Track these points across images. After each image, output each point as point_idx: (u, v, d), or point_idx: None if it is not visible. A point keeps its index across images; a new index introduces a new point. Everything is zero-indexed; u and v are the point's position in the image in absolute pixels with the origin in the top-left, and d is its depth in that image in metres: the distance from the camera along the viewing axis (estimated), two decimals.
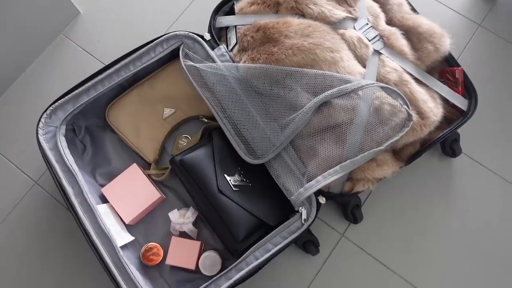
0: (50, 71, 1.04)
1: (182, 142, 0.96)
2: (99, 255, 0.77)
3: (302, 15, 0.85)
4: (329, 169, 0.76)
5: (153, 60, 0.89)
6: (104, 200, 0.89)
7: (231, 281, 0.76)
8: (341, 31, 0.83)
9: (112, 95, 0.93)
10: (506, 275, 0.88)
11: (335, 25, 0.83)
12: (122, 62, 0.88)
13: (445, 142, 0.90)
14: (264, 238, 0.79)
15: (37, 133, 0.84)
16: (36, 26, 1.00)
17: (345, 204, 0.87)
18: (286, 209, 0.83)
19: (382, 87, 0.77)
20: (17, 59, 1.01)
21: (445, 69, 0.88)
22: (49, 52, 1.05)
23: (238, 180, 0.84)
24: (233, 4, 0.93)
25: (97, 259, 0.78)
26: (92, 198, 0.82)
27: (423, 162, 0.94)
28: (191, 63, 0.86)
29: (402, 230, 0.91)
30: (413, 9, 0.91)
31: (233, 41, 0.89)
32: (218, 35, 0.93)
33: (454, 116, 0.86)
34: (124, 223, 0.88)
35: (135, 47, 0.89)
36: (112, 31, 1.07)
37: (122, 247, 0.83)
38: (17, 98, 1.02)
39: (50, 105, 0.85)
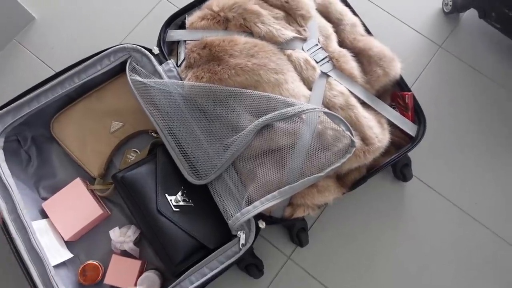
0: (0, 78, 1.01)
1: (131, 157, 0.94)
2: (28, 274, 0.75)
3: (251, 33, 0.83)
4: (268, 194, 0.74)
5: (99, 73, 0.87)
6: (45, 215, 0.87)
7: None
8: (289, 51, 0.81)
9: (59, 106, 0.90)
10: None
11: (282, 45, 0.81)
12: (67, 74, 0.85)
13: (395, 166, 0.88)
14: (201, 262, 0.77)
15: None
16: None
17: (291, 227, 0.85)
18: (228, 232, 0.82)
19: (325, 112, 0.75)
20: None
21: (396, 93, 0.86)
22: (0, 57, 1.03)
23: (179, 200, 0.82)
24: (185, 17, 0.91)
25: (26, 278, 0.75)
26: (27, 214, 0.79)
27: (375, 185, 0.92)
28: (138, 77, 0.84)
29: (351, 254, 0.90)
30: (368, 31, 0.90)
31: (182, 56, 0.87)
32: (170, 48, 0.91)
33: (403, 141, 0.85)
34: (63, 239, 0.86)
35: (89, 54, 0.87)
36: (66, 39, 1.04)
37: (60, 264, 0.81)
38: None
39: None
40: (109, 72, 0.89)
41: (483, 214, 0.91)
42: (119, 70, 0.91)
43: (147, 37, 1.02)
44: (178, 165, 0.82)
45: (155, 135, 0.92)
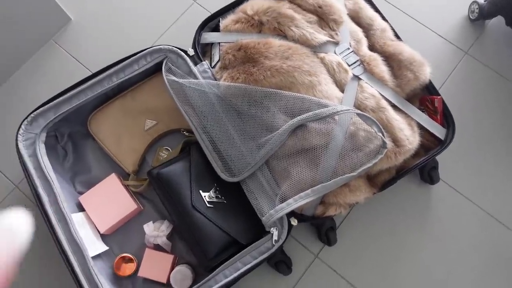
0: (38, 76, 1.05)
1: (163, 154, 0.97)
2: (69, 264, 0.78)
3: (284, 36, 0.86)
4: (301, 192, 0.76)
5: (136, 73, 0.90)
6: (81, 208, 0.90)
7: None
8: (322, 54, 0.84)
9: (96, 104, 0.94)
10: None
11: (315, 48, 0.84)
12: (106, 73, 0.89)
13: (423, 169, 0.90)
14: (234, 257, 0.79)
15: (16, 139, 0.85)
16: (26, 31, 1.01)
17: (320, 226, 0.87)
18: (259, 228, 0.84)
19: (357, 114, 0.77)
20: (4, 63, 1.02)
21: (425, 97, 0.88)
22: (37, 57, 1.07)
23: (213, 197, 0.85)
24: (219, 21, 0.94)
25: (67, 267, 0.78)
26: (67, 207, 0.82)
27: (402, 187, 0.94)
28: (173, 77, 0.87)
29: (377, 254, 0.91)
30: (397, 36, 0.92)
31: (216, 58, 0.90)
32: (203, 50, 0.94)
33: (432, 144, 0.87)
34: (99, 232, 0.89)
35: (122, 57, 0.90)
36: (101, 39, 1.08)
37: (95, 256, 0.84)
38: (3, 102, 1.03)
39: (31, 112, 0.86)
40: (144, 72, 0.92)
41: (510, 217, 0.92)
42: (154, 70, 0.94)
43: (178, 39, 1.06)
44: (212, 162, 0.85)
45: (186, 133, 0.95)
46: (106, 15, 1.10)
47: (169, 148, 0.97)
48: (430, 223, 0.93)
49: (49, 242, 0.90)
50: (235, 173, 0.83)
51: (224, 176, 0.84)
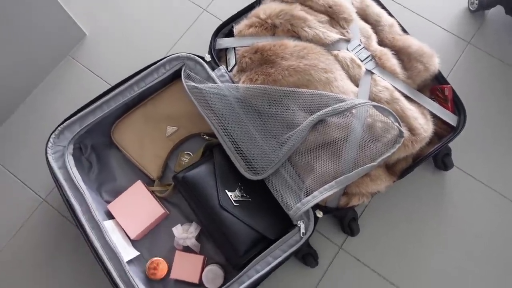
0: (57, 92, 1.09)
1: (185, 159, 1.00)
2: (106, 270, 0.81)
3: (298, 37, 0.90)
4: (325, 184, 0.79)
5: (156, 81, 0.93)
6: (110, 216, 0.93)
7: None
8: (335, 52, 0.87)
9: (118, 114, 0.97)
10: (497, 284, 0.91)
11: (329, 46, 0.88)
12: (127, 83, 0.92)
13: (437, 156, 0.93)
14: (265, 252, 0.82)
15: (46, 153, 0.87)
16: (43, 48, 1.04)
17: (342, 217, 0.90)
18: (285, 223, 0.87)
19: (374, 106, 0.81)
20: (24, 80, 1.05)
21: (435, 86, 0.92)
22: (56, 73, 1.10)
23: (238, 196, 0.88)
24: (232, 26, 0.97)
25: (104, 273, 0.81)
26: (98, 215, 0.85)
27: (417, 175, 0.97)
28: (193, 83, 0.91)
29: (398, 242, 0.94)
30: (404, 30, 0.96)
31: (232, 62, 0.93)
32: (218, 56, 0.98)
33: (444, 132, 0.90)
34: (129, 238, 0.91)
35: (139, 68, 0.93)
36: (116, 52, 1.12)
37: (128, 262, 0.86)
38: (25, 118, 1.06)
39: (58, 126, 0.89)
40: (163, 81, 0.96)
41: None
42: (171, 78, 0.98)
43: (191, 48, 1.10)
44: (235, 163, 0.88)
45: (207, 137, 0.98)
46: (119, 29, 1.14)
47: (190, 153, 1.00)
48: (446, 209, 0.96)
49: (80, 252, 0.93)
50: (258, 172, 0.86)
51: (248, 175, 0.87)
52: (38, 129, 1.05)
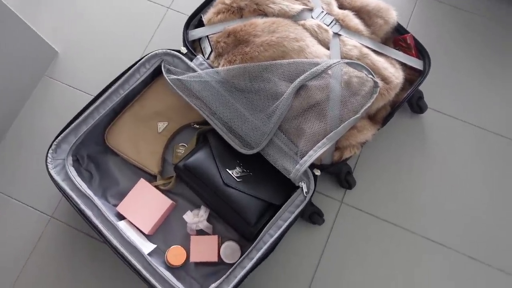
0: (41, 112, 1.10)
1: (180, 151, 1.03)
2: (130, 265, 0.84)
3: (265, 14, 0.95)
4: (318, 143, 0.86)
5: (139, 81, 0.97)
6: (120, 217, 0.96)
7: (254, 260, 0.85)
8: (302, 22, 0.93)
9: (107, 121, 1.00)
10: (486, 207, 1.00)
11: (295, 17, 0.94)
12: (113, 88, 0.95)
13: (411, 101, 1.01)
14: (275, 217, 0.88)
15: (47, 168, 0.89)
16: (18, 72, 1.05)
17: (338, 173, 0.97)
18: (287, 188, 0.93)
19: (347, 63, 0.87)
20: (6, 106, 1.06)
21: (397, 37, 1.00)
22: (36, 95, 1.11)
23: (239, 172, 0.93)
24: (201, 17, 1.02)
25: (130, 268, 0.84)
26: (111, 217, 0.88)
27: (398, 122, 1.05)
28: (175, 76, 0.95)
29: (392, 185, 1.02)
30: None
31: (208, 49, 0.98)
32: (192, 47, 1.02)
33: (414, 77, 0.98)
34: (143, 234, 0.95)
35: (117, 75, 0.96)
36: (91, 64, 1.14)
37: (148, 254, 0.90)
38: (15, 142, 1.07)
39: (54, 140, 0.92)
40: (145, 80, 0.99)
41: (496, 124, 1.05)
42: (152, 77, 1.01)
43: (164, 44, 1.13)
44: (230, 142, 0.93)
45: (197, 126, 1.03)
46: (89, 41, 1.16)
47: (184, 144, 1.04)
48: (428, 147, 1.05)
49: (98, 258, 0.96)
50: (253, 146, 0.92)
51: (244, 151, 0.92)
52: (31, 150, 1.06)
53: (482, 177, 1.02)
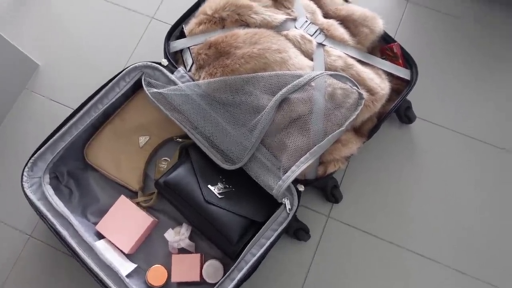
0: (22, 126, 1.07)
1: (163, 165, 1.01)
2: (106, 287, 0.81)
3: (247, 25, 0.92)
4: (301, 158, 0.83)
5: (119, 95, 0.94)
6: (100, 236, 0.93)
7: (235, 281, 0.81)
8: (285, 32, 0.90)
9: (86, 136, 0.97)
10: (475, 219, 0.97)
11: (278, 28, 0.91)
12: (91, 102, 0.92)
13: (399, 111, 0.98)
14: (257, 235, 0.84)
15: (22, 187, 0.87)
16: None
17: (324, 187, 0.94)
18: (271, 204, 0.89)
19: (331, 75, 0.84)
20: None
21: (384, 46, 0.97)
22: (16, 108, 1.09)
23: (221, 188, 0.90)
24: (182, 28, 0.99)
25: None
26: (88, 237, 0.85)
27: (386, 133, 1.02)
28: (155, 89, 0.92)
29: (380, 198, 0.99)
30: (345, 0, 1.00)
31: (189, 61, 0.95)
32: (174, 59, 0.99)
33: (401, 87, 0.95)
34: (124, 253, 0.92)
35: (98, 86, 0.94)
36: (73, 77, 1.11)
37: (127, 275, 0.87)
38: None
39: (30, 158, 0.89)
40: (125, 94, 0.96)
41: (484, 133, 1.02)
42: (133, 90, 0.98)
43: (147, 56, 1.11)
44: (212, 157, 0.90)
45: (180, 140, 1.00)
46: (71, 53, 1.13)
47: (167, 158, 1.01)
48: (418, 157, 1.02)
49: (77, 279, 0.93)
50: (235, 161, 0.89)
51: (226, 166, 0.89)
52: (11, 165, 1.03)
53: (472, 188, 0.99)
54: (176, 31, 1.00)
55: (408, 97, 0.98)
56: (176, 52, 0.99)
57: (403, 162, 1.01)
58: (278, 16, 0.91)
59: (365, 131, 0.91)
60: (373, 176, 1.00)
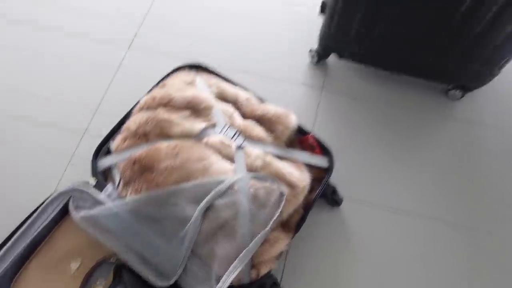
0: None
1: None
2: None
3: (170, 137, 0.97)
4: (231, 264, 0.82)
5: (46, 222, 0.92)
6: None
7: None
8: (205, 140, 0.95)
9: (13, 272, 0.92)
10: None
11: (198, 136, 0.96)
12: (16, 235, 0.89)
13: (326, 196, 1.02)
14: None
15: None
16: None
17: (263, 287, 0.92)
18: None
19: (251, 177, 0.88)
20: None
21: (300, 138, 1.04)
22: None
23: None
24: (109, 144, 1.02)
25: None
26: None
27: (317, 219, 1.05)
28: (83, 213, 0.91)
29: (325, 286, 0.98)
30: (260, 99, 1.08)
31: (117, 178, 0.97)
32: (105, 175, 1.01)
33: (323, 174, 1.00)
34: None
35: (30, 212, 0.92)
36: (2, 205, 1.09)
37: None
38: None
39: None
40: (54, 219, 0.94)
41: (414, 205, 1.08)
42: (61, 215, 0.96)
43: (78, 176, 1.10)
44: (145, 277, 0.86)
45: (113, 260, 0.97)
46: None
47: (103, 280, 0.97)
48: (352, 240, 1.04)
49: None
50: (170, 275, 0.86)
51: (161, 283, 0.86)
52: None
53: (416, 263, 1.01)
54: (105, 147, 1.03)
55: (333, 181, 1.03)
56: (105, 170, 1.01)
57: (339, 246, 1.03)
58: (197, 125, 0.97)
59: (293, 224, 0.93)
60: (312, 268, 1.00)
